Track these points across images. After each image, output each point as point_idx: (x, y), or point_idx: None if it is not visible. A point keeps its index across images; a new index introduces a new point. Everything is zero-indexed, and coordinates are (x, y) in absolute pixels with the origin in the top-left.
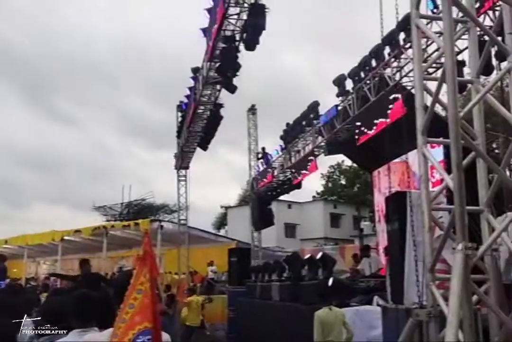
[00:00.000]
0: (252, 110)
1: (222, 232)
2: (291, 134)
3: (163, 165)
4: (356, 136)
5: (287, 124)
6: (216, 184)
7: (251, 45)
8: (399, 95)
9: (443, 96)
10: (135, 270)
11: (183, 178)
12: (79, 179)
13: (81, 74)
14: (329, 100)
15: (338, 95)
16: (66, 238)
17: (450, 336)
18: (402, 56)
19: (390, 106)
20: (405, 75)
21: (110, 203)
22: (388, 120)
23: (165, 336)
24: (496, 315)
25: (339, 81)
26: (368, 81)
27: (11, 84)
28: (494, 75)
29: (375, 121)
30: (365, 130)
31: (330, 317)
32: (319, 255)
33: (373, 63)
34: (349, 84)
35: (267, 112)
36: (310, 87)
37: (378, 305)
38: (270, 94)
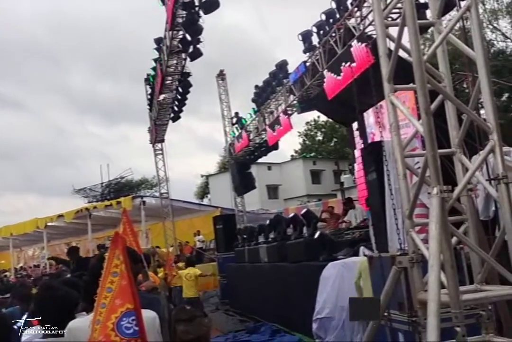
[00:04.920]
0: (221, 75)
1: (205, 201)
2: (262, 96)
3: (128, 140)
4: (325, 86)
5: (256, 86)
6: (189, 154)
7: (210, 9)
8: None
9: (408, 43)
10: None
11: (160, 152)
12: (41, 164)
13: (19, 56)
14: (281, 54)
15: (305, 51)
16: (49, 224)
17: (433, 279)
18: (365, 4)
19: (354, 52)
20: (370, 24)
21: (89, 185)
22: (354, 64)
23: (152, 313)
24: (476, 253)
25: (305, 37)
26: (333, 34)
27: None
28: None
29: (342, 68)
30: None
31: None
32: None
33: (337, 15)
34: (314, 39)
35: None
36: (261, 45)
37: (365, 255)
38: (221, 56)
